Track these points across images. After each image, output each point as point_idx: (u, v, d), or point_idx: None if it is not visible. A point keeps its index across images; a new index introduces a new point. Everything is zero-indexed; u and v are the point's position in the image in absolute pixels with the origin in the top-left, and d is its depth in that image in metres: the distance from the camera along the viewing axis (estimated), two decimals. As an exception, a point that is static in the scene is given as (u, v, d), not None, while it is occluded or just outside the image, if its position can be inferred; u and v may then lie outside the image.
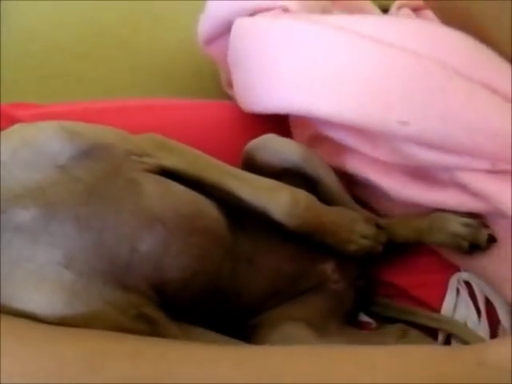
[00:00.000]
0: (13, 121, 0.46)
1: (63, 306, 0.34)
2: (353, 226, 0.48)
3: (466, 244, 0.48)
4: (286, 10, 0.55)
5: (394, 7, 0.80)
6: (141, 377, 0.31)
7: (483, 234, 0.48)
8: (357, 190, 0.54)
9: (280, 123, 0.57)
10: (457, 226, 0.48)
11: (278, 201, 0.44)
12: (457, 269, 0.51)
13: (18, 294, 0.33)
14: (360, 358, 0.34)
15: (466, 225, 0.48)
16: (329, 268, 0.50)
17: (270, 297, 0.46)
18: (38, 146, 0.36)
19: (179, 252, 0.38)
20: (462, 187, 0.48)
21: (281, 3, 0.56)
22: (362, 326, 0.52)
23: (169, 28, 0.78)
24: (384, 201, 0.52)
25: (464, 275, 0.50)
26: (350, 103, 0.48)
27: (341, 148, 0.53)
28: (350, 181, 0.53)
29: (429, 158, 0.47)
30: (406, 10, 0.77)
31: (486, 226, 0.49)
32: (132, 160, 0.39)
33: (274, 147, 0.50)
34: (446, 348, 0.45)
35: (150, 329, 0.36)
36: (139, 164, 0.39)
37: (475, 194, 0.47)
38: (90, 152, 0.37)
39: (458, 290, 0.50)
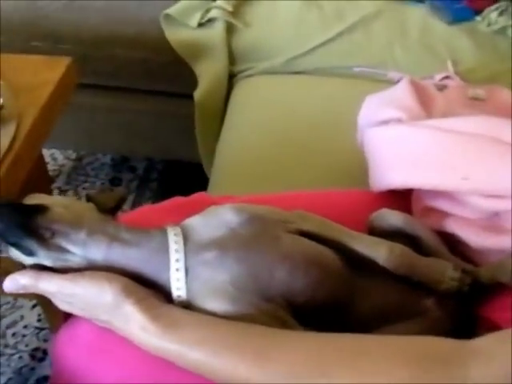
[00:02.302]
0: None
1: (230, 309, 0.58)
2: (443, 271, 0.67)
3: None
4: (399, 120, 0.79)
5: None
6: None
7: None
8: (454, 244, 0.73)
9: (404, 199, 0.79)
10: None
11: (379, 251, 0.66)
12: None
13: (203, 300, 0.59)
14: None
15: None
16: (429, 302, 0.68)
17: (378, 320, 0.66)
18: (219, 216, 0.63)
19: (302, 279, 0.61)
20: None
21: (396, 116, 0.80)
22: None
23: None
24: (471, 250, 0.70)
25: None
26: (435, 176, 0.71)
27: (439, 215, 0.73)
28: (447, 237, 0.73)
29: (488, 206, 0.65)
30: None
31: None
32: (279, 225, 0.64)
33: (385, 217, 0.71)
34: None
35: (282, 327, 0.59)
36: (284, 227, 0.64)
37: None
38: (250, 220, 0.63)
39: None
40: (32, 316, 1.43)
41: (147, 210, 0.79)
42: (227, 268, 0.60)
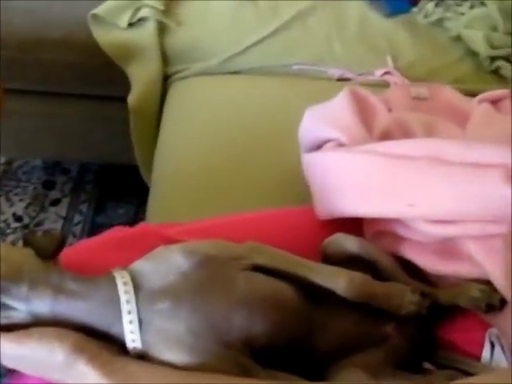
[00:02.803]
0: (160, 237, 0.71)
1: (188, 359, 0.56)
2: (402, 295, 0.66)
3: (482, 305, 0.63)
4: (339, 141, 0.77)
5: (475, 101, 0.98)
6: None
7: (496, 297, 0.63)
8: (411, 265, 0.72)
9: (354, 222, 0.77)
10: (474, 291, 0.64)
11: (338, 281, 0.63)
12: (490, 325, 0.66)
13: (160, 351, 0.56)
14: None
15: (482, 290, 0.63)
16: (389, 328, 0.67)
17: (340, 349, 0.64)
18: (169, 261, 0.59)
19: (261, 322, 0.59)
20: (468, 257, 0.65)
21: (335, 137, 0.78)
22: (425, 371, 0.68)
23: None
24: (428, 273, 0.69)
25: (494, 331, 0.65)
26: (380, 204, 0.70)
27: (392, 238, 0.71)
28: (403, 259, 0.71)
29: (436, 232, 0.64)
30: (486, 105, 0.94)
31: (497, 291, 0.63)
32: (231, 264, 0.61)
33: (340, 242, 0.69)
34: None
35: (244, 373, 0.57)
36: (237, 265, 0.61)
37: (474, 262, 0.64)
38: (201, 263, 0.59)
39: (492, 343, 0.65)
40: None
41: (87, 245, 0.73)
42: (182, 318, 0.57)
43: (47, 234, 0.62)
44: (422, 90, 1.07)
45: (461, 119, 1.00)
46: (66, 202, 1.65)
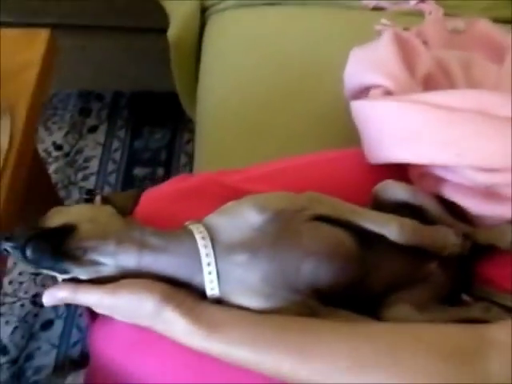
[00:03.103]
0: (222, 186, 0.77)
1: (263, 304, 0.63)
2: (446, 238, 0.72)
3: None
4: (387, 89, 0.81)
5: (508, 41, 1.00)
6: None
7: None
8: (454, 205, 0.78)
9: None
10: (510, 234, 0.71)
11: (390, 227, 0.69)
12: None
13: (237, 297, 0.63)
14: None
15: None
16: (433, 266, 0.74)
17: (390, 287, 0.72)
18: (243, 217, 0.65)
19: (325, 269, 0.65)
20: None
21: (383, 84, 0.82)
22: (464, 302, 0.76)
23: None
24: (470, 214, 0.75)
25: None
26: (426, 151, 0.74)
27: (436, 180, 0.76)
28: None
29: (482, 179, 0.71)
30: None
31: None
32: (297, 216, 0.67)
33: (389, 189, 0.75)
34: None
35: (311, 312, 0.64)
36: (301, 217, 0.67)
37: None
38: (272, 218, 0.65)
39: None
40: (25, 262, 1.45)
41: (154, 196, 0.78)
42: (258, 268, 0.63)
43: (124, 192, 0.68)
44: (458, 23, 1.09)
45: (497, 52, 1.02)
46: (103, 128, 1.71)
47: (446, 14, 1.18)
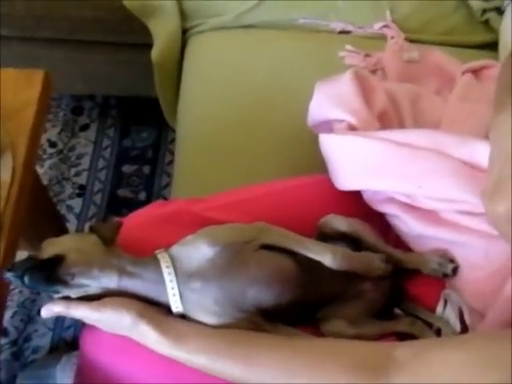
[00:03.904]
0: (191, 214, 0.90)
1: (216, 321, 0.77)
2: (371, 263, 0.85)
3: (440, 274, 0.84)
4: (350, 124, 0.94)
5: (459, 73, 1.12)
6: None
7: (450, 268, 0.83)
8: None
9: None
10: (433, 263, 0.84)
11: (325, 255, 0.82)
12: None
13: (195, 314, 0.77)
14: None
15: (439, 264, 0.84)
16: (367, 285, 0.87)
17: (327, 303, 0.85)
18: (198, 249, 0.78)
19: (268, 292, 0.79)
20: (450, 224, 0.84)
21: (346, 119, 0.95)
22: (395, 315, 0.90)
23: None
24: (407, 236, 0.89)
25: (448, 291, 0.85)
26: (390, 182, 0.87)
27: (391, 202, 0.90)
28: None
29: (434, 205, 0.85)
30: (468, 77, 1.09)
31: (451, 261, 0.84)
32: (245, 247, 0.80)
33: (331, 222, 0.88)
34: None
35: (256, 327, 0.78)
36: (250, 247, 0.80)
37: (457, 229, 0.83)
38: (222, 250, 0.78)
39: (445, 300, 0.85)
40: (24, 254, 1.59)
41: (135, 223, 0.89)
42: (210, 293, 0.77)
43: (108, 223, 0.82)
44: (413, 53, 1.21)
45: (449, 81, 1.15)
46: (94, 126, 1.83)
47: (407, 39, 1.30)
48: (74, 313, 0.76)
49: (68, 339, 1.52)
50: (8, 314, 1.53)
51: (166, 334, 0.75)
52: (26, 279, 0.73)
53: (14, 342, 1.50)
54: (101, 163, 1.76)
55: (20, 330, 1.52)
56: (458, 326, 0.83)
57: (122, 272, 0.77)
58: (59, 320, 1.53)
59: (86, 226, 0.81)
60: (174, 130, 1.62)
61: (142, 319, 0.75)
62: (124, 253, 0.79)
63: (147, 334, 0.75)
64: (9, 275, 0.74)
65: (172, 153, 1.72)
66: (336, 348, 0.74)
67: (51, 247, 0.77)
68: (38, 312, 1.47)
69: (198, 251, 0.79)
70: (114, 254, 0.78)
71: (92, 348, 0.85)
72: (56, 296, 0.77)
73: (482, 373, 0.61)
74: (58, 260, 0.74)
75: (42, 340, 1.51)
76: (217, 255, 0.78)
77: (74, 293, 0.76)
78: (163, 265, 0.78)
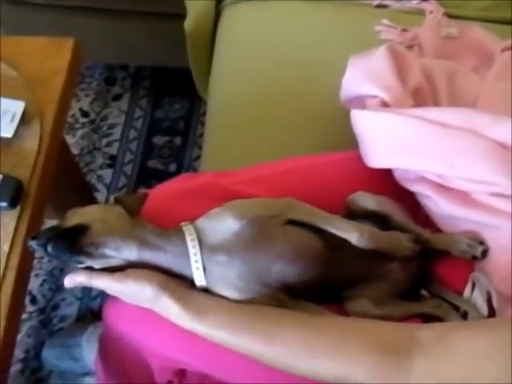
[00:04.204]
0: (218, 187, 0.89)
1: (239, 296, 0.76)
2: (399, 243, 0.83)
3: (468, 256, 0.81)
4: (383, 100, 0.91)
5: (498, 51, 1.08)
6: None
7: (479, 250, 0.81)
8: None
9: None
10: (463, 245, 0.82)
11: (352, 234, 0.81)
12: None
13: (218, 289, 0.76)
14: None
15: (469, 245, 0.81)
16: (394, 266, 0.86)
17: (353, 282, 0.84)
18: (223, 222, 0.77)
19: (293, 268, 0.78)
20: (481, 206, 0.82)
21: (379, 95, 0.92)
22: (421, 297, 0.88)
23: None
24: (437, 216, 0.87)
25: (476, 274, 0.83)
26: (422, 161, 0.85)
27: (422, 181, 0.88)
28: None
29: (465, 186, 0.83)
30: (507, 55, 1.05)
31: (481, 243, 0.81)
32: (271, 222, 0.79)
33: (359, 199, 0.86)
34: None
35: (279, 304, 0.77)
36: (276, 222, 0.79)
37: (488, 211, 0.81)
38: (248, 224, 0.77)
39: (473, 283, 0.83)
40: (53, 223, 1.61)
41: (160, 194, 0.89)
42: (235, 267, 0.76)
43: (134, 195, 0.81)
44: (452, 29, 1.17)
45: (487, 58, 1.11)
46: (126, 97, 1.83)
47: (446, 14, 1.26)
48: (96, 283, 0.76)
49: (95, 309, 1.54)
50: (37, 282, 1.55)
51: (187, 308, 0.74)
52: (49, 248, 0.73)
53: (42, 310, 1.53)
54: (132, 134, 1.77)
55: (48, 299, 1.55)
56: (485, 310, 0.81)
57: (144, 244, 0.76)
58: (87, 290, 1.55)
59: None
60: (206, 103, 1.61)
61: (164, 292, 0.74)
62: (148, 224, 0.78)
63: (168, 307, 0.74)
64: (32, 243, 0.74)
65: (204, 125, 1.72)
66: (359, 328, 0.73)
67: (76, 217, 0.77)
68: (67, 281, 1.55)
69: (223, 224, 0.78)
70: (138, 226, 0.77)
71: (114, 318, 0.86)
72: (79, 266, 0.77)
73: (505, 360, 0.60)
74: (81, 229, 0.74)
75: (70, 309, 1.54)
76: (242, 229, 0.77)
77: (97, 263, 0.75)
78: (188, 237, 0.77)
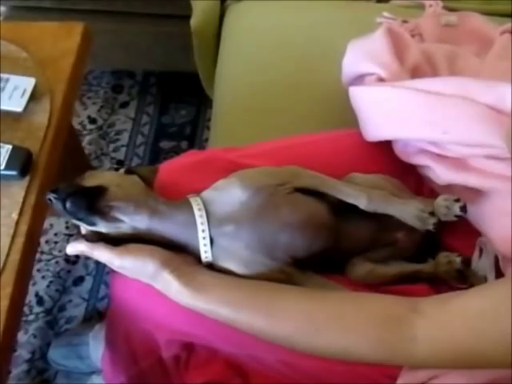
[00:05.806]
0: (225, 160, 0.90)
1: (245, 270, 0.75)
2: (411, 212, 0.82)
3: (452, 217, 0.81)
4: (379, 77, 0.92)
5: (498, 31, 1.10)
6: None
7: (457, 207, 0.80)
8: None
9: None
10: (442, 208, 0.81)
11: (360, 198, 0.81)
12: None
13: (224, 262, 0.75)
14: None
15: (447, 207, 0.81)
16: (400, 234, 0.86)
17: (359, 250, 0.84)
18: (230, 193, 0.77)
19: (301, 238, 0.77)
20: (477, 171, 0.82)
21: (376, 72, 0.93)
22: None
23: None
24: (437, 186, 0.88)
25: (483, 239, 0.83)
26: (417, 130, 0.86)
27: (419, 152, 0.88)
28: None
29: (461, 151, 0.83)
30: (507, 37, 1.07)
31: (457, 200, 0.81)
32: (278, 190, 0.78)
33: (353, 179, 0.85)
34: None
35: (286, 277, 0.76)
36: (282, 190, 0.79)
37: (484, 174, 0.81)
38: (255, 193, 0.77)
39: (481, 248, 0.83)
40: (60, 224, 1.62)
41: (171, 168, 0.90)
42: (242, 238, 0.76)
43: (147, 167, 0.82)
44: (451, 17, 1.19)
45: (486, 45, 1.13)
46: (133, 104, 1.85)
47: (446, 7, 1.28)
48: (98, 255, 0.75)
49: (102, 310, 1.53)
50: (44, 284, 1.56)
51: (188, 285, 0.73)
52: (68, 204, 0.72)
53: (48, 311, 1.53)
54: (139, 139, 1.79)
55: (55, 300, 1.54)
56: (493, 275, 0.81)
57: (154, 212, 0.75)
58: (94, 291, 1.55)
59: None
60: (211, 108, 1.63)
61: (166, 268, 0.73)
62: (160, 196, 0.78)
63: (169, 284, 0.73)
64: (51, 196, 0.73)
65: (209, 130, 1.74)
66: (362, 301, 0.73)
67: (93, 178, 0.76)
68: (73, 282, 1.55)
69: (230, 194, 0.77)
70: (151, 196, 0.77)
71: (120, 291, 0.85)
72: (90, 228, 0.76)
73: (498, 319, 0.61)
74: (100, 190, 0.74)
75: (76, 310, 1.53)
76: (250, 198, 0.77)
77: (107, 227, 0.75)
78: (195, 208, 0.77)
